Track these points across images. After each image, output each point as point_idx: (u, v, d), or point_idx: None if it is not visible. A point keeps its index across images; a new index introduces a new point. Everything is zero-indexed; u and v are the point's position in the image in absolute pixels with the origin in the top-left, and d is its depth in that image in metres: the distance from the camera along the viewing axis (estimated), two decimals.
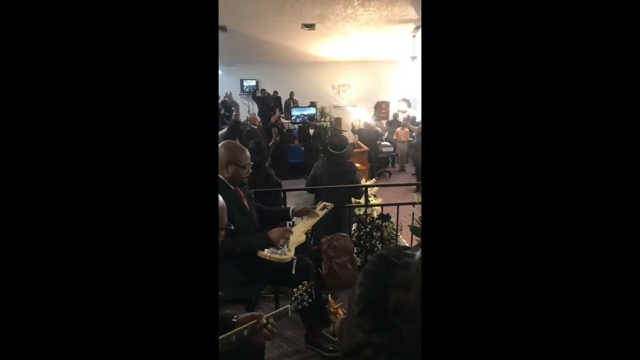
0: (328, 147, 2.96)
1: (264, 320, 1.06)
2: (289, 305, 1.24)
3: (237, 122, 3.35)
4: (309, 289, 1.30)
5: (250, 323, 1.05)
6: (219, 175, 1.72)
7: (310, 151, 6.60)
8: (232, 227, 1.50)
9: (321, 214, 2.09)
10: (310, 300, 1.30)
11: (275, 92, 8.43)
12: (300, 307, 1.28)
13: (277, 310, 1.19)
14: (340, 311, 1.78)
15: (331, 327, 1.90)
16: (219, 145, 1.79)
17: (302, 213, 2.01)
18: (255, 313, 1.09)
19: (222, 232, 1.14)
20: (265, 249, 1.67)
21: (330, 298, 1.86)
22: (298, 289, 1.29)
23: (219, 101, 8.05)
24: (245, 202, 1.81)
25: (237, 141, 3.47)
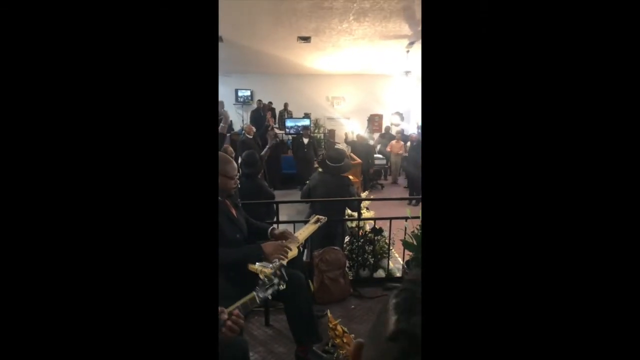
0: (326, 159, 2.95)
1: (225, 315, 0.95)
2: (254, 293, 1.09)
3: (222, 135, 3.30)
4: (278, 272, 1.14)
5: None
6: None
7: (304, 161, 6.61)
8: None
9: (313, 227, 2.07)
10: (282, 283, 1.14)
11: (270, 102, 8.44)
12: (270, 291, 1.12)
13: (243, 300, 1.06)
14: (339, 327, 1.75)
15: (329, 343, 1.87)
16: None
17: (280, 238, 1.83)
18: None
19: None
20: (257, 263, 1.64)
21: (329, 314, 1.83)
22: (264, 273, 1.12)
23: None
24: (233, 212, 1.78)
25: (230, 149, 3.47)
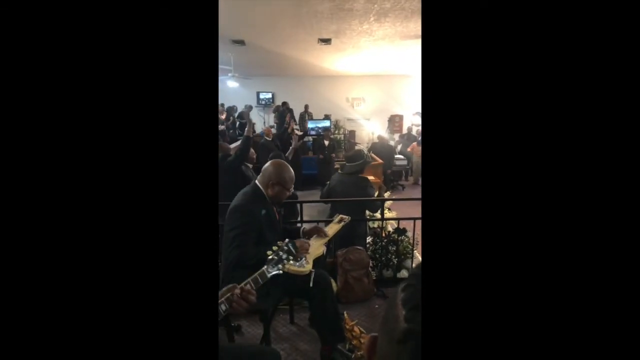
0: (345, 161, 2.99)
1: (238, 290, 1.01)
2: (264, 267, 1.16)
3: (248, 137, 3.32)
4: (285, 247, 1.21)
5: (226, 296, 1.00)
6: (261, 189, 1.76)
7: (325, 162, 6.64)
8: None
9: (337, 227, 2.09)
10: (291, 257, 1.20)
11: (285, 103, 8.44)
12: (280, 266, 1.18)
13: (253, 275, 1.12)
14: (356, 329, 1.75)
15: (346, 344, 1.88)
16: (269, 163, 1.80)
17: (312, 233, 1.96)
18: (230, 285, 1.03)
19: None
20: None
21: (346, 315, 1.84)
22: (273, 250, 1.20)
23: (236, 113, 8.18)
24: (277, 218, 1.85)
25: (252, 151, 3.53)
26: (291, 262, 1.66)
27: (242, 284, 1.04)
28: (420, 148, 7.44)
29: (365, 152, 4.53)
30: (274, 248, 1.19)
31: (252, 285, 1.08)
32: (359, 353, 1.76)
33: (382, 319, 0.42)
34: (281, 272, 1.20)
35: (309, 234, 1.97)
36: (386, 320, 0.41)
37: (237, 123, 7.74)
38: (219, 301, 0.99)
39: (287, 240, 1.24)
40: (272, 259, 1.17)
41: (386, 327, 0.41)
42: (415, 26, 5.06)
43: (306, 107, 9.00)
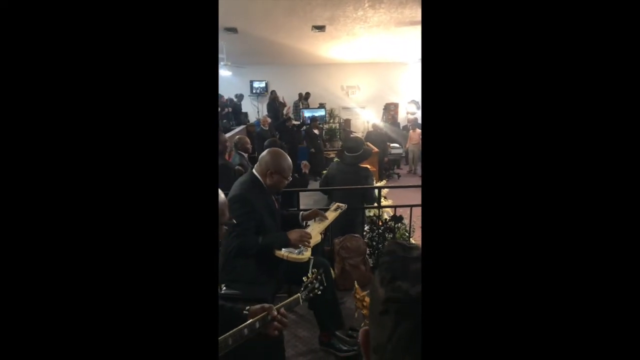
0: (344, 150, 2.97)
1: (275, 312, 1.04)
2: (299, 294, 1.21)
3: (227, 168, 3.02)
4: (319, 277, 1.28)
5: (262, 315, 1.02)
6: (259, 178, 1.76)
7: (316, 152, 6.63)
8: (235, 222, 1.51)
9: (334, 215, 2.10)
10: (321, 287, 1.27)
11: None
12: (311, 294, 1.25)
13: (288, 300, 1.17)
14: (367, 298, 1.78)
15: (355, 313, 1.90)
16: (266, 151, 1.80)
17: (311, 216, 2.00)
18: (266, 305, 1.05)
19: (224, 227, 1.13)
20: (283, 249, 1.68)
21: (356, 285, 1.85)
22: (308, 277, 1.27)
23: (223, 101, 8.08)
24: (276, 206, 1.86)
25: (246, 140, 3.48)
26: (289, 250, 1.69)
27: (278, 307, 1.07)
28: (415, 135, 7.45)
29: (364, 141, 4.52)
30: (309, 275, 1.26)
31: (286, 309, 1.11)
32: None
33: (369, 312, 0.43)
34: (309, 299, 1.28)
35: (308, 218, 2.00)
36: (371, 304, 0.42)
37: (225, 111, 7.64)
38: (253, 319, 1.01)
39: (321, 270, 1.31)
40: (307, 286, 1.24)
41: (372, 309, 0.41)
42: (410, 12, 5.01)
43: (300, 95, 8.93)
